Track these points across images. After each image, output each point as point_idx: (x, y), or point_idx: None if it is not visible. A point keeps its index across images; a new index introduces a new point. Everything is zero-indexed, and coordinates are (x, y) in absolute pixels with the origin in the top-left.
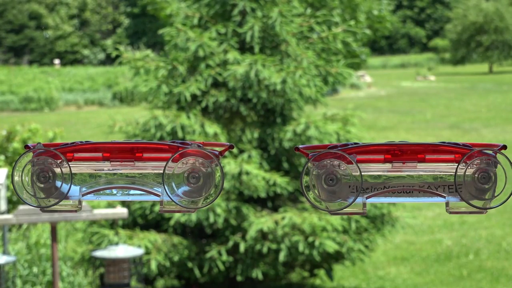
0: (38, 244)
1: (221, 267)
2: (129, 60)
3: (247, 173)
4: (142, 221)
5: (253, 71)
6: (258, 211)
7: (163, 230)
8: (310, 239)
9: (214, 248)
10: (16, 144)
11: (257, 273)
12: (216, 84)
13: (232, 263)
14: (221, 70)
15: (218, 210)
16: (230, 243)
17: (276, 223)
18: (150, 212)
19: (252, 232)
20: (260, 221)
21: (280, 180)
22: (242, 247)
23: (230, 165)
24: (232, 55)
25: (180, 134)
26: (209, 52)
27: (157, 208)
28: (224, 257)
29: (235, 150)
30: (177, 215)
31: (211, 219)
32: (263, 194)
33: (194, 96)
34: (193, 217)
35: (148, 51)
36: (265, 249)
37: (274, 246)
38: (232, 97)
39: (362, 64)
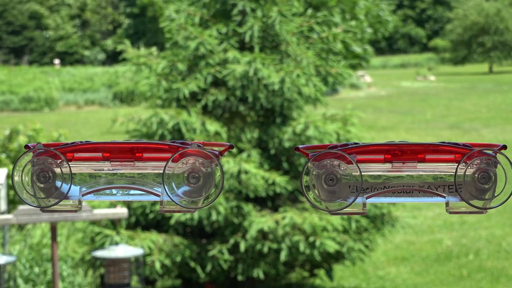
0: (40, 244)
1: (224, 266)
2: (133, 57)
3: (246, 172)
4: (143, 220)
5: (252, 69)
6: (258, 210)
7: (163, 230)
8: (311, 239)
9: (216, 246)
10: (22, 141)
11: (258, 273)
12: (216, 83)
13: (233, 262)
14: (221, 69)
15: (220, 208)
16: (231, 242)
17: (277, 222)
18: (150, 212)
19: (252, 232)
20: (260, 221)
21: (279, 179)
22: (242, 247)
23: (229, 164)
24: (232, 54)
25: (183, 130)
26: (209, 50)
27: (157, 207)
28: (226, 255)
29: (234, 150)
30: (177, 214)
31: (213, 217)
32: (262, 194)
33: (193, 95)
34: (195, 215)
35: (153, 49)
36: (265, 249)
37: (274, 246)
38: (232, 96)
39: (366, 64)
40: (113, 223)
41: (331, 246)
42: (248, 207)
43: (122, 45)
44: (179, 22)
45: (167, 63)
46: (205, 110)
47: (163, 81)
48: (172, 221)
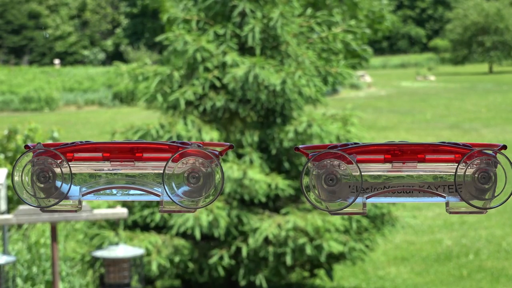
0: (38, 244)
1: (222, 273)
2: (128, 71)
3: (250, 179)
4: (142, 222)
5: (252, 74)
6: (259, 213)
7: (163, 232)
8: (317, 241)
9: (216, 253)
10: (19, 141)
11: (261, 281)
12: (214, 86)
13: (235, 266)
14: (220, 72)
15: (222, 222)
16: (233, 248)
17: (279, 226)
18: (151, 213)
19: (257, 241)
20: (264, 228)
21: (282, 183)
22: (244, 252)
23: (233, 170)
24: (231, 57)
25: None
26: (207, 54)
27: (158, 216)
28: (226, 260)
29: (235, 154)
30: (179, 223)
31: (215, 234)
32: (263, 199)
33: (191, 101)
34: (197, 232)
35: (147, 60)
36: (270, 257)
37: (278, 250)
38: (231, 100)
39: (365, 64)
40: (113, 224)
41: (335, 248)
42: (246, 218)
43: (116, 67)
44: (175, 30)
45: (162, 75)
46: (204, 114)
47: (158, 95)
48: (174, 231)
